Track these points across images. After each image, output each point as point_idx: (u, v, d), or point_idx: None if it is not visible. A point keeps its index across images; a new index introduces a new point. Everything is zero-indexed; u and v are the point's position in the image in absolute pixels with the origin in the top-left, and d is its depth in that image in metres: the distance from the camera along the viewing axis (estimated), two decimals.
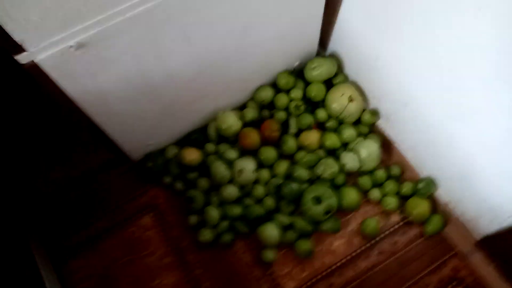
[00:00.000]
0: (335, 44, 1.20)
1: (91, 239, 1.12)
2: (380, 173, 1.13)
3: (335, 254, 1.09)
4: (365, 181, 1.12)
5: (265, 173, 1.12)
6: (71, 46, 0.70)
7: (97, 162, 1.20)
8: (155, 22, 0.78)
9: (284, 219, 1.07)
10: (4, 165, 1.20)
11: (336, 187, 1.11)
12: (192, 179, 1.13)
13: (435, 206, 1.11)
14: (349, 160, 1.10)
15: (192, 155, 1.12)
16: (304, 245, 1.06)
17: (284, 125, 1.18)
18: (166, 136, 1.15)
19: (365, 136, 1.17)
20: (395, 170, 1.14)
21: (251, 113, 1.17)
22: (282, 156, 1.15)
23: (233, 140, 1.16)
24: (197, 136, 1.17)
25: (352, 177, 1.14)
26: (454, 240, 1.09)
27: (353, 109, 1.14)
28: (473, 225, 1.06)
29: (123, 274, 1.08)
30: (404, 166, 1.16)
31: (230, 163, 1.11)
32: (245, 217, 1.08)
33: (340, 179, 1.11)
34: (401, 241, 1.09)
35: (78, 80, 0.78)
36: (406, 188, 1.11)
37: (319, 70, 1.17)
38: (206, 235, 1.07)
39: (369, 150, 1.10)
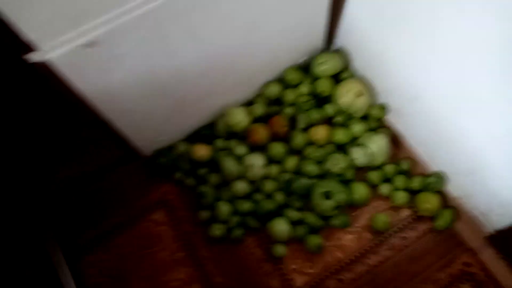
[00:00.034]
0: (343, 38, 1.20)
1: (104, 235, 1.13)
2: (389, 168, 1.12)
3: (345, 249, 1.09)
4: (374, 176, 1.12)
5: (274, 169, 1.12)
6: (82, 45, 0.70)
7: (108, 159, 1.21)
8: (164, 20, 0.78)
9: (294, 214, 1.08)
10: (17, 164, 1.22)
11: (345, 182, 1.11)
12: (203, 174, 1.14)
13: (445, 201, 1.11)
14: (358, 155, 1.10)
15: (202, 151, 1.13)
16: (314, 240, 1.06)
17: (292, 121, 1.18)
18: (176, 132, 1.16)
19: (374, 131, 1.16)
20: (405, 165, 1.13)
21: (259, 109, 1.18)
22: (290, 151, 1.16)
23: (242, 136, 1.17)
24: (207, 132, 1.18)
25: (361, 172, 1.14)
26: (465, 235, 1.08)
27: (361, 103, 1.14)
28: (483, 220, 1.05)
29: (136, 269, 1.09)
30: (414, 161, 1.15)
31: (239, 159, 1.12)
32: (255, 212, 1.09)
33: (349, 174, 1.11)
34: (411, 236, 1.09)
35: (89, 78, 0.79)
36: (416, 183, 1.11)
37: (327, 65, 1.17)
38: (217, 230, 1.08)
39: (378, 145, 1.10)
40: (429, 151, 1.11)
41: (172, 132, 1.15)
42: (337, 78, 1.19)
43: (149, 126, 1.05)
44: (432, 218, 1.09)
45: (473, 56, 0.80)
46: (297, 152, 1.15)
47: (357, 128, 1.14)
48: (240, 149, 1.13)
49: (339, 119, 1.16)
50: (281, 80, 1.21)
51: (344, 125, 1.17)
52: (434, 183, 1.09)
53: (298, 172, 1.12)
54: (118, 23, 0.73)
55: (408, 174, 1.14)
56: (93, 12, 0.69)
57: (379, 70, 1.13)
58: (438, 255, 1.07)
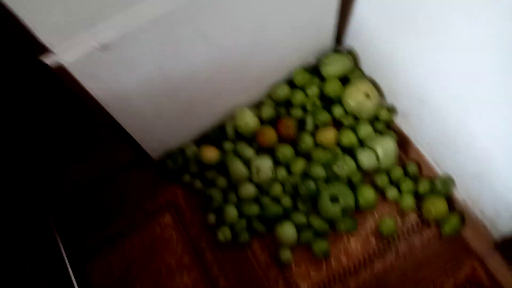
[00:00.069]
0: (351, 39, 1.18)
1: (112, 237, 1.12)
2: (397, 171, 1.12)
3: (352, 254, 1.09)
4: (382, 179, 1.12)
5: (282, 171, 1.11)
6: (96, 48, 0.69)
7: (119, 161, 1.20)
8: (176, 23, 0.78)
9: (301, 218, 1.07)
10: (28, 164, 1.21)
11: (353, 186, 1.10)
12: (211, 177, 1.13)
13: (453, 205, 1.10)
14: (366, 158, 1.09)
15: (210, 153, 1.12)
16: (321, 245, 1.06)
17: (301, 122, 1.17)
18: (185, 135, 1.15)
19: (381, 133, 1.16)
20: (412, 168, 1.13)
21: (267, 110, 1.16)
22: (298, 153, 1.15)
23: (251, 138, 1.16)
24: (215, 134, 1.17)
25: (368, 175, 1.13)
26: (471, 241, 1.08)
27: (369, 105, 1.13)
28: (491, 225, 1.05)
29: (142, 273, 1.08)
30: (421, 164, 1.15)
31: (247, 161, 1.10)
32: (262, 216, 1.08)
33: (357, 177, 1.10)
34: (418, 241, 1.09)
35: (102, 81, 0.78)
36: (424, 186, 1.10)
37: (335, 66, 1.16)
38: (225, 234, 1.07)
39: (386, 147, 1.09)
40: (437, 154, 1.11)
41: (181, 135, 1.14)
42: (346, 79, 1.18)
43: (158, 129, 1.04)
44: (439, 223, 1.09)
45: (482, 57, 0.79)
46: (305, 154, 1.15)
47: (365, 130, 1.13)
48: (248, 152, 1.12)
49: (347, 121, 1.16)
50: (289, 81, 1.20)
51: (352, 127, 1.16)
52: (442, 187, 1.08)
53: (305, 175, 1.11)
54: (131, 27, 0.72)
55: (416, 177, 1.13)
56: (107, 16, 0.68)
57: (387, 71, 1.12)
58: (445, 261, 1.07)
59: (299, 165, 1.12)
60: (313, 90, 1.17)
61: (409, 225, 1.11)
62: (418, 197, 1.11)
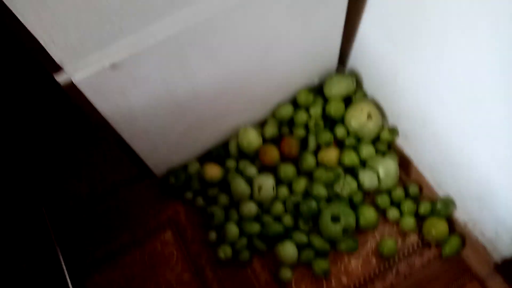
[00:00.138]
0: (354, 61, 1.20)
1: (113, 253, 1.12)
2: (398, 192, 1.12)
3: (352, 274, 1.08)
4: (383, 200, 1.12)
5: (284, 190, 1.12)
6: (106, 67, 0.71)
7: (122, 177, 1.21)
8: (184, 44, 0.79)
9: (301, 237, 1.07)
10: (31, 178, 1.21)
11: (354, 205, 1.11)
12: (213, 195, 1.13)
13: (453, 227, 1.11)
14: (367, 178, 1.10)
15: (213, 171, 1.13)
16: (321, 264, 1.06)
17: (303, 142, 1.18)
18: (189, 152, 1.16)
19: (383, 154, 1.17)
20: (413, 189, 1.13)
21: (271, 129, 1.17)
22: (300, 172, 1.15)
23: (253, 156, 1.17)
24: (219, 152, 1.18)
25: (370, 195, 1.14)
26: (473, 262, 1.08)
27: (371, 126, 1.14)
28: (492, 247, 1.05)
29: None
30: (422, 185, 1.16)
31: (249, 180, 1.11)
32: (263, 234, 1.08)
33: (358, 197, 1.11)
34: (419, 262, 1.09)
35: (110, 99, 0.79)
36: (424, 207, 1.11)
37: (338, 87, 1.17)
38: (225, 251, 1.07)
39: (387, 168, 1.10)
40: (437, 175, 1.12)
41: (184, 152, 1.14)
42: (348, 100, 1.20)
43: (163, 146, 1.05)
44: (439, 244, 1.09)
45: (482, 83, 0.80)
46: (307, 173, 1.15)
47: (367, 150, 1.14)
48: (251, 170, 1.12)
49: (349, 141, 1.17)
50: (293, 101, 1.21)
51: (354, 147, 1.17)
52: (442, 208, 1.09)
53: (307, 194, 1.11)
54: (141, 47, 0.74)
55: (417, 198, 1.14)
56: (119, 37, 0.70)
57: (389, 93, 1.13)
58: (445, 282, 1.07)
59: (301, 184, 1.12)
60: (316, 110, 1.18)
61: (410, 246, 1.11)
62: (419, 218, 1.11)
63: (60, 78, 0.69)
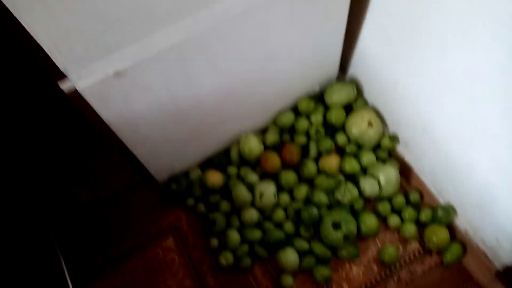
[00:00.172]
0: (355, 69, 1.21)
1: (115, 259, 1.12)
2: (399, 199, 1.13)
3: (353, 281, 1.08)
4: (384, 207, 1.12)
5: (285, 197, 1.12)
6: (110, 75, 0.72)
7: (124, 183, 1.22)
8: (187, 53, 0.80)
9: (303, 244, 1.08)
10: (34, 184, 1.22)
11: (355, 213, 1.11)
12: (214, 201, 1.14)
13: (454, 234, 1.11)
14: (368, 185, 1.10)
15: (215, 177, 1.13)
16: (323, 271, 1.06)
17: (305, 149, 1.19)
18: (191, 159, 1.17)
19: (384, 161, 1.17)
20: (414, 196, 1.14)
21: (272, 137, 1.18)
22: (302, 179, 1.16)
23: (255, 163, 1.17)
24: (220, 159, 1.19)
25: (370, 202, 1.14)
26: (474, 270, 1.08)
27: (372, 134, 1.15)
28: (493, 254, 1.05)
29: None
30: (423, 192, 1.16)
31: (251, 186, 1.12)
32: (265, 241, 1.08)
33: (359, 204, 1.11)
34: (420, 269, 1.09)
35: (113, 106, 0.80)
36: (425, 215, 1.11)
37: (339, 95, 1.18)
38: (227, 258, 1.07)
39: (388, 175, 1.11)
40: (438, 183, 1.12)
41: (186, 159, 1.15)
42: (349, 108, 1.21)
43: (165, 153, 1.06)
44: (440, 251, 1.09)
45: (482, 91, 0.81)
46: (308, 180, 1.16)
47: (368, 158, 1.15)
48: (252, 177, 1.13)
49: (349, 148, 1.17)
50: (294, 108, 1.22)
51: (355, 155, 1.17)
52: (443, 216, 1.09)
53: (308, 201, 1.12)
54: (145, 56, 0.75)
55: (417, 206, 1.14)
56: (123, 46, 0.71)
57: (389, 101, 1.14)
58: None
59: (302, 191, 1.13)
60: (317, 118, 1.19)
61: (411, 253, 1.11)
62: (420, 225, 1.12)
63: (64, 86, 0.70)
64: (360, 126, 1.14)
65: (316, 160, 1.17)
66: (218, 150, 1.20)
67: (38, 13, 0.59)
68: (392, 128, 1.18)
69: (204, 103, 0.96)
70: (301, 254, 1.07)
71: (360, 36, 1.09)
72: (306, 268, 1.07)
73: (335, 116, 1.18)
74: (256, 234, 1.08)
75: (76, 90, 0.72)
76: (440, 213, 1.09)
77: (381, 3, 0.96)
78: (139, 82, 0.79)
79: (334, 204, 1.11)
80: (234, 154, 1.18)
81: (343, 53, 1.16)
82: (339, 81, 1.23)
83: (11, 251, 1.01)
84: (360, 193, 1.11)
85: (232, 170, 1.17)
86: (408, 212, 1.11)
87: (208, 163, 1.19)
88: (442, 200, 1.13)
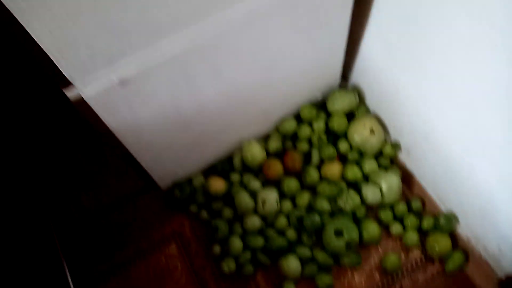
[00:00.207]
0: (357, 76, 1.22)
1: (118, 265, 1.13)
2: (401, 207, 1.13)
3: None
4: (386, 214, 1.13)
5: (287, 204, 1.13)
6: (115, 83, 0.73)
7: (127, 190, 1.22)
8: (191, 61, 0.81)
9: (305, 251, 1.08)
10: (38, 190, 1.23)
11: (357, 220, 1.11)
12: (217, 208, 1.14)
13: (456, 242, 1.11)
14: (370, 193, 1.11)
15: (218, 184, 1.14)
16: (325, 279, 1.06)
17: (307, 156, 1.19)
18: (194, 166, 1.17)
19: (386, 168, 1.18)
20: (416, 204, 1.14)
21: (274, 144, 1.19)
22: (304, 186, 1.16)
23: (257, 170, 1.18)
24: (223, 165, 1.19)
25: (373, 210, 1.14)
26: (475, 279, 1.08)
27: (374, 141, 1.15)
28: (495, 263, 1.05)
29: None
30: (425, 200, 1.16)
31: (253, 193, 1.12)
32: (267, 248, 1.08)
33: (361, 211, 1.11)
34: (422, 278, 1.09)
35: (118, 113, 0.81)
36: (427, 223, 1.11)
37: (341, 102, 1.19)
38: (229, 265, 1.07)
39: (390, 183, 1.11)
40: (440, 190, 1.12)
41: (189, 165, 1.16)
42: (351, 115, 1.21)
43: (169, 160, 1.07)
44: (443, 260, 1.09)
45: (484, 99, 0.81)
46: (310, 187, 1.16)
47: (370, 165, 1.15)
48: (255, 184, 1.13)
49: (352, 156, 1.18)
50: (296, 116, 1.22)
51: (357, 162, 1.18)
52: (445, 223, 1.09)
53: (310, 208, 1.12)
54: (150, 64, 0.76)
55: (419, 213, 1.14)
56: (128, 54, 0.72)
57: (391, 109, 1.15)
58: None
59: (304, 198, 1.13)
60: (319, 125, 1.19)
61: (413, 261, 1.11)
62: (422, 233, 1.12)
63: (70, 93, 0.71)
64: (362, 133, 1.15)
65: (318, 167, 1.18)
66: (221, 157, 1.20)
67: (44, 21, 0.60)
68: (394, 135, 1.19)
69: (207, 110, 0.97)
70: (303, 261, 1.07)
71: (362, 44, 1.10)
72: (308, 276, 1.07)
73: (337, 123, 1.19)
74: (259, 241, 1.08)
75: (82, 97, 0.73)
76: (442, 221, 1.09)
77: (383, 11, 0.96)
78: (144, 90, 0.79)
79: (336, 212, 1.11)
80: (237, 161, 1.18)
81: (345, 61, 1.16)
82: (341, 88, 1.24)
83: (14, 257, 1.01)
84: (362, 200, 1.11)
85: (235, 177, 1.17)
86: (410, 220, 1.11)
87: (211, 170, 1.19)
88: (444, 208, 1.13)
